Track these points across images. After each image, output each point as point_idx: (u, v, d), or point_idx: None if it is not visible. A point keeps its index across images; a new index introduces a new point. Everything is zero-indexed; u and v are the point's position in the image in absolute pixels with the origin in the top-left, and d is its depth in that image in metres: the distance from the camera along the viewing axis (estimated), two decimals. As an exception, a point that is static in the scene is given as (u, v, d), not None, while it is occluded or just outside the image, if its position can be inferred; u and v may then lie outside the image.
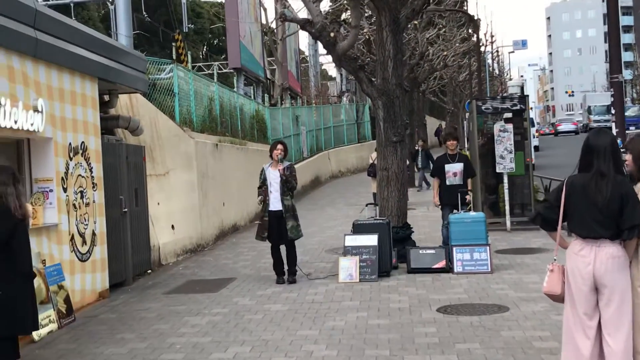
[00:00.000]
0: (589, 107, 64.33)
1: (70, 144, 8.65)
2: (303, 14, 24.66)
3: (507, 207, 13.42)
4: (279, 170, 9.66)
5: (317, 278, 9.90)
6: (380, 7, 10.87)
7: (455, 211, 10.43)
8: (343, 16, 25.20)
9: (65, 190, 8.47)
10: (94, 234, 9.19)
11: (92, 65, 9.38)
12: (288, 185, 9.66)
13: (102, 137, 9.90)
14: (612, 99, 10.76)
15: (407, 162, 14.03)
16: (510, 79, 61.85)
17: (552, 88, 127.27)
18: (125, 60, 10.54)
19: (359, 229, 10.04)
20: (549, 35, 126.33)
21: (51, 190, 8.23)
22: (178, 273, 11.10)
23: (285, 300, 8.65)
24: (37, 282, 7.18)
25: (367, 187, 19.42)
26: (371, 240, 9.67)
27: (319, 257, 11.70)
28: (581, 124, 68.24)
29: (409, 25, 18.13)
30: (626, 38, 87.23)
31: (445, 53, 26.06)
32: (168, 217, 12.59)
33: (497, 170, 13.38)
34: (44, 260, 7.78)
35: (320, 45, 24.27)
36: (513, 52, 71.45)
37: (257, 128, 20.56)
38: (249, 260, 11.82)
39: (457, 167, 10.93)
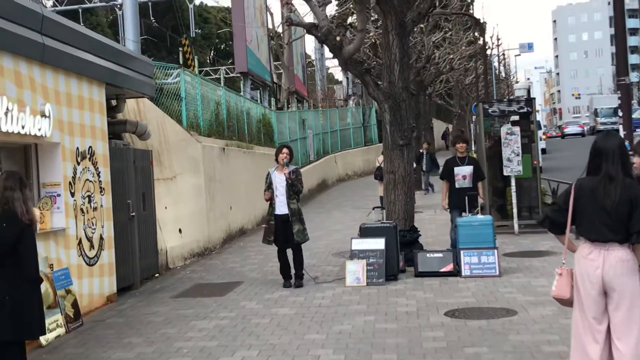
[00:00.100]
0: (596, 109, 64.21)
1: (77, 148, 8.67)
2: (309, 18, 24.68)
3: (515, 210, 13.38)
4: (284, 174, 9.67)
5: (324, 282, 9.89)
6: (386, 11, 10.86)
7: (464, 214, 10.41)
8: (349, 20, 25.21)
9: (72, 194, 8.48)
10: (101, 238, 9.21)
11: (100, 70, 9.40)
12: (294, 189, 9.66)
13: (110, 141, 9.91)
14: (620, 102, 10.72)
15: (414, 165, 14.00)
16: (517, 82, 61.80)
17: (559, 91, 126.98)
18: (133, 65, 10.56)
19: (366, 232, 10.01)
20: (555, 38, 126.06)
21: (59, 195, 8.24)
22: (185, 277, 11.10)
23: (293, 304, 8.64)
24: (45, 286, 7.20)
25: (374, 190, 19.38)
26: (378, 243, 9.65)
27: (325, 261, 11.68)
28: (588, 127, 68.13)
29: (415, 29, 18.11)
30: (632, 40, 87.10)
31: (451, 56, 26.05)
32: (175, 221, 12.60)
33: (505, 173, 13.35)
34: (52, 264, 7.80)
35: (326, 49, 24.29)
36: (519, 55, 71.34)
37: (263, 132, 20.58)
38: (256, 264, 11.81)
39: (467, 170, 10.91)
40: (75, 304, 7.99)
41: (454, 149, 12.31)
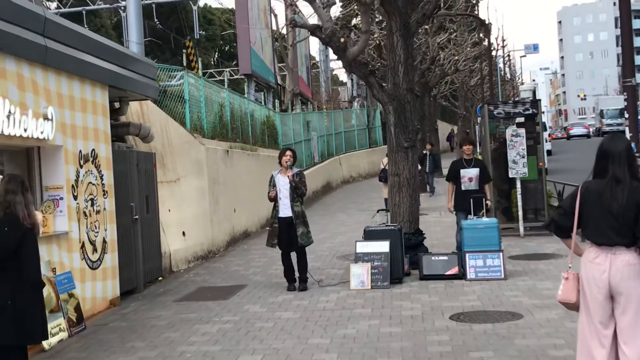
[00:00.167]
0: (602, 110, 64.11)
1: (80, 151, 8.65)
2: (313, 19, 24.66)
3: (520, 212, 13.32)
4: (288, 176, 9.62)
5: (328, 285, 9.84)
6: (390, 12, 10.82)
7: (470, 217, 10.34)
8: (353, 21, 25.20)
9: (75, 197, 8.46)
10: (104, 241, 9.17)
11: (102, 72, 9.38)
12: (298, 191, 9.61)
13: (113, 144, 9.89)
14: (625, 103, 10.67)
15: (419, 167, 13.96)
16: (522, 83, 61.65)
17: (564, 92, 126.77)
18: (136, 68, 10.54)
19: (370, 235, 9.97)
20: (561, 39, 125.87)
21: (61, 198, 8.22)
22: (189, 280, 11.07)
23: (297, 307, 8.60)
24: (47, 290, 7.17)
25: (378, 192, 19.34)
26: (383, 246, 9.60)
27: (330, 264, 11.63)
28: (594, 128, 68.04)
29: (420, 30, 18.08)
30: (638, 41, 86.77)
31: (456, 57, 26.01)
32: (179, 224, 12.57)
33: (510, 175, 13.29)
34: (54, 268, 7.77)
35: (330, 50, 24.24)
36: (525, 56, 71.18)
37: (267, 134, 20.55)
38: (260, 267, 11.77)
39: (473, 172, 10.85)
40: (78, 308, 7.96)
41: (459, 151, 12.25)
